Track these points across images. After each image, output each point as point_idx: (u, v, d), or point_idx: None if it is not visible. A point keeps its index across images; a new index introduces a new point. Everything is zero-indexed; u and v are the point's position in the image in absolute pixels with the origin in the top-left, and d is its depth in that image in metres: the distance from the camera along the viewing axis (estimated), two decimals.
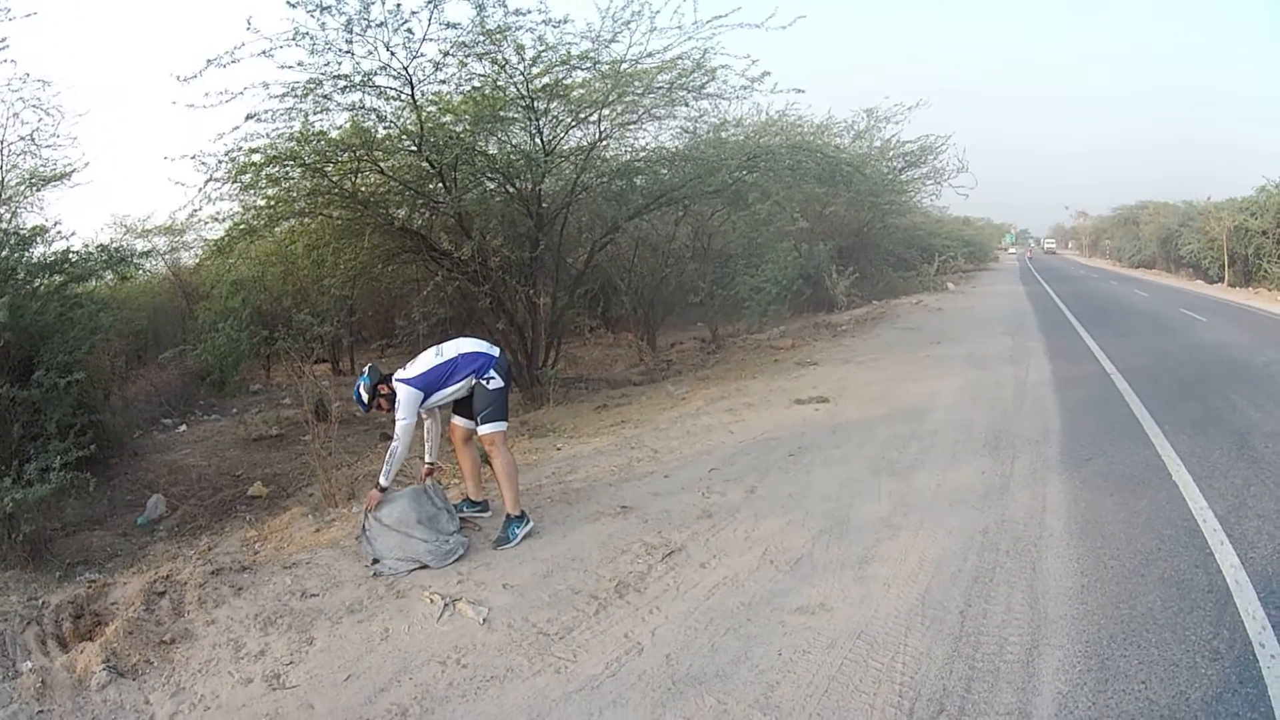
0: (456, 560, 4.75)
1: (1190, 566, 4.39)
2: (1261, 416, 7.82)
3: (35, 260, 7.56)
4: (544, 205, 11.24)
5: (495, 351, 5.25)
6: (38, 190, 10.43)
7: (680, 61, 10.50)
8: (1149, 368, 10.90)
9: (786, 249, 18.00)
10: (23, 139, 10.35)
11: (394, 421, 4.96)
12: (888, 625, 3.82)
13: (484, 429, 5.10)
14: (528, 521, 5.14)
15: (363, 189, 9.95)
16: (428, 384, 5.01)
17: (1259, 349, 12.67)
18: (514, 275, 10.74)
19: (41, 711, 3.28)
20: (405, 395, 4.94)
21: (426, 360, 5.08)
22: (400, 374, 5.07)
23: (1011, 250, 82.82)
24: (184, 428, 11.42)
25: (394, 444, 4.89)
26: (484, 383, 5.09)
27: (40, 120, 10.42)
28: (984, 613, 3.93)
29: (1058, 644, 3.60)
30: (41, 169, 10.55)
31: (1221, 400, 8.64)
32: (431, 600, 4.16)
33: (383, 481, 4.92)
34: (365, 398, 5.07)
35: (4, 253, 7.07)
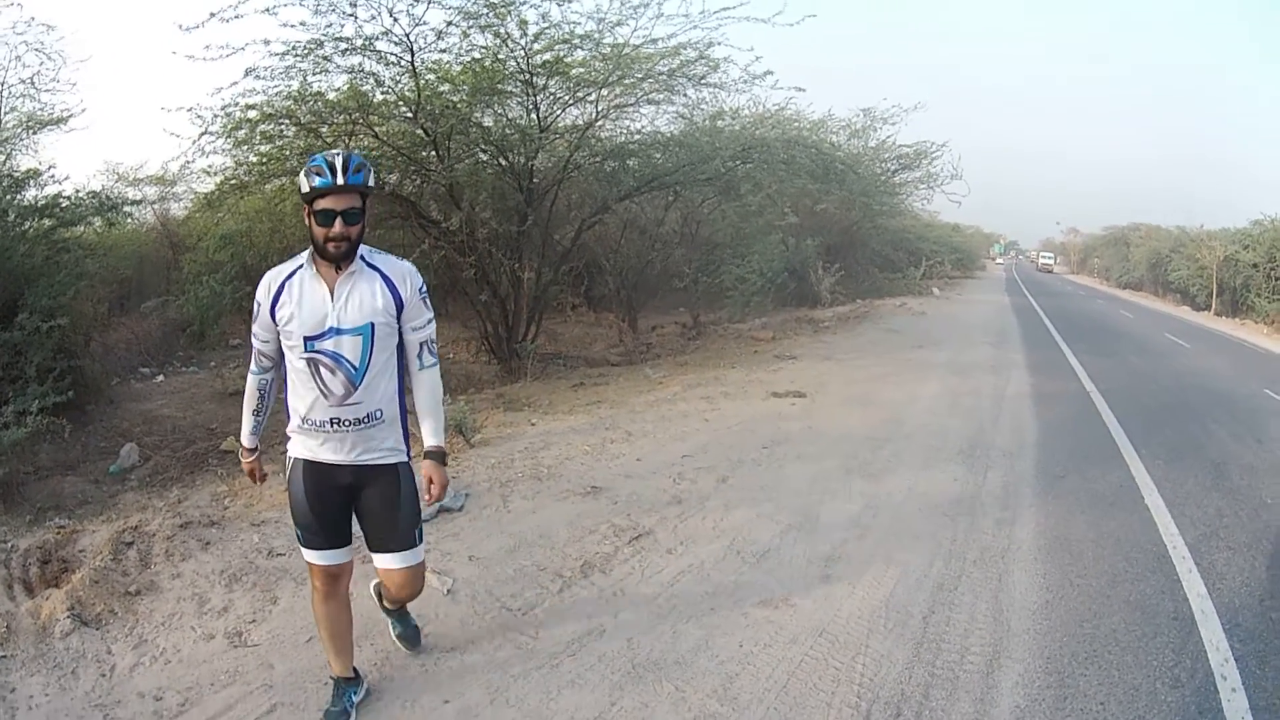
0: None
1: (1156, 592, 4.42)
2: (1239, 448, 7.89)
3: (27, 203, 7.49)
4: (535, 181, 11.24)
5: None
6: (34, 133, 10.35)
7: (683, 50, 10.49)
8: (1130, 389, 10.98)
9: (774, 242, 18.06)
10: (23, 82, 10.27)
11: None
12: (850, 625, 3.83)
13: (412, 558, 2.91)
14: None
15: (356, 152, 9.90)
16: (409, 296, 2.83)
17: (1242, 380, 12.82)
18: (500, 248, 10.74)
19: (3, 656, 3.25)
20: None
21: None
22: None
23: (999, 260, 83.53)
24: (161, 378, 11.35)
25: None
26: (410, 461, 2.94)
27: (42, 64, 10.34)
28: (947, 620, 3.94)
29: (1019, 657, 3.62)
30: (39, 112, 10.46)
31: (1200, 428, 8.71)
32: None
33: None
34: (367, 178, 2.67)
35: None
